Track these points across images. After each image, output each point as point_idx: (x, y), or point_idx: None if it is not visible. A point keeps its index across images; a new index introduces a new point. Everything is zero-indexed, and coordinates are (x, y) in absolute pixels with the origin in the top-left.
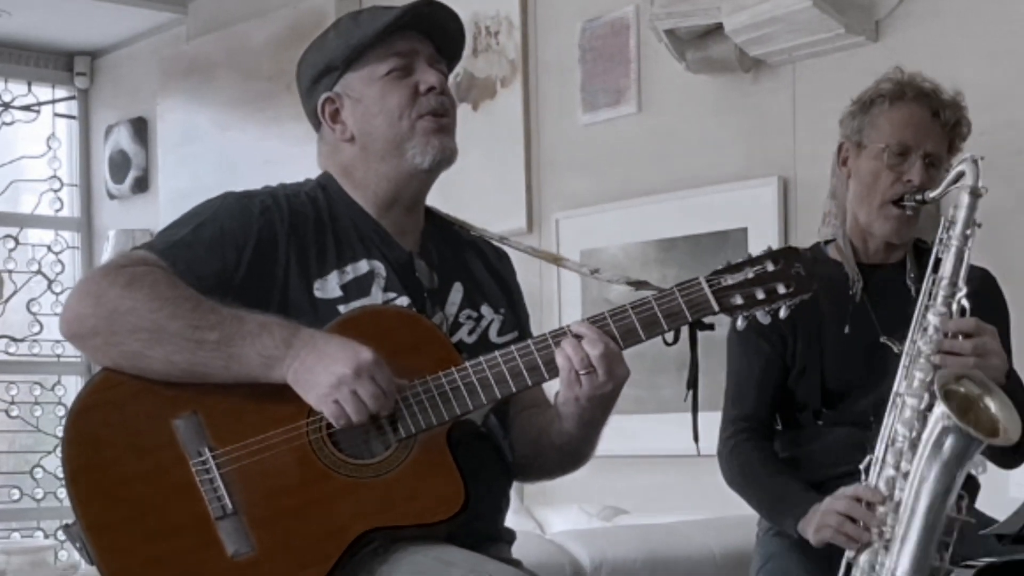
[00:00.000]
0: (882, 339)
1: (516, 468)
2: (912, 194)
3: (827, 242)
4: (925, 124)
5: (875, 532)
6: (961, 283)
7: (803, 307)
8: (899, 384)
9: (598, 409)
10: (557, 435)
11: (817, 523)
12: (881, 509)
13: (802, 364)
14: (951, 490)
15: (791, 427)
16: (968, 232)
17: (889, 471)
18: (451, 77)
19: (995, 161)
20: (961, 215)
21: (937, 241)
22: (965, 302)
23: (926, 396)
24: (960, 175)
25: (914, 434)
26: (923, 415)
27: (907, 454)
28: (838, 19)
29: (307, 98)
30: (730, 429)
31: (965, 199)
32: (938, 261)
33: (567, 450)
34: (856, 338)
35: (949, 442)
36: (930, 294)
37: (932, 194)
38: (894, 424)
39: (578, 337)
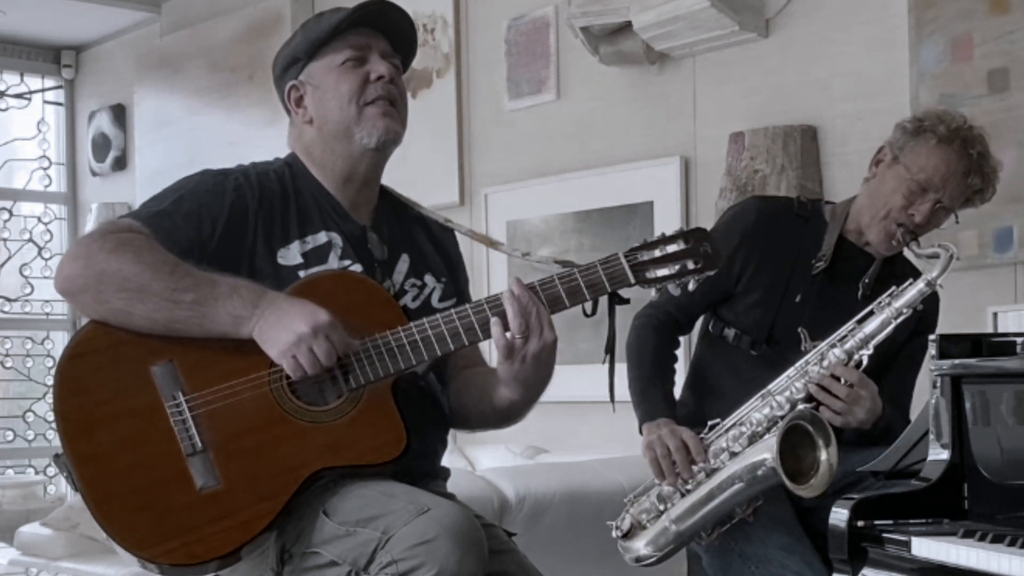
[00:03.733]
0: (799, 330)
1: (455, 420)
2: (909, 230)
3: (827, 202)
4: (954, 177)
5: (681, 480)
6: (871, 347)
7: (780, 245)
8: (776, 383)
9: (537, 369)
10: (499, 400)
11: (650, 440)
12: (696, 468)
13: (752, 291)
14: (748, 491)
15: (723, 339)
16: (904, 311)
17: (723, 442)
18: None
19: (872, 145)
20: (909, 295)
21: (878, 302)
22: (865, 359)
23: (787, 407)
24: (935, 256)
25: (758, 429)
26: (774, 421)
27: (743, 440)
28: (733, 17)
29: (278, 87)
30: (650, 309)
31: (920, 286)
32: (871, 312)
33: (508, 413)
34: (804, 307)
35: (764, 467)
36: (848, 333)
37: (915, 250)
38: (751, 411)
39: (502, 313)
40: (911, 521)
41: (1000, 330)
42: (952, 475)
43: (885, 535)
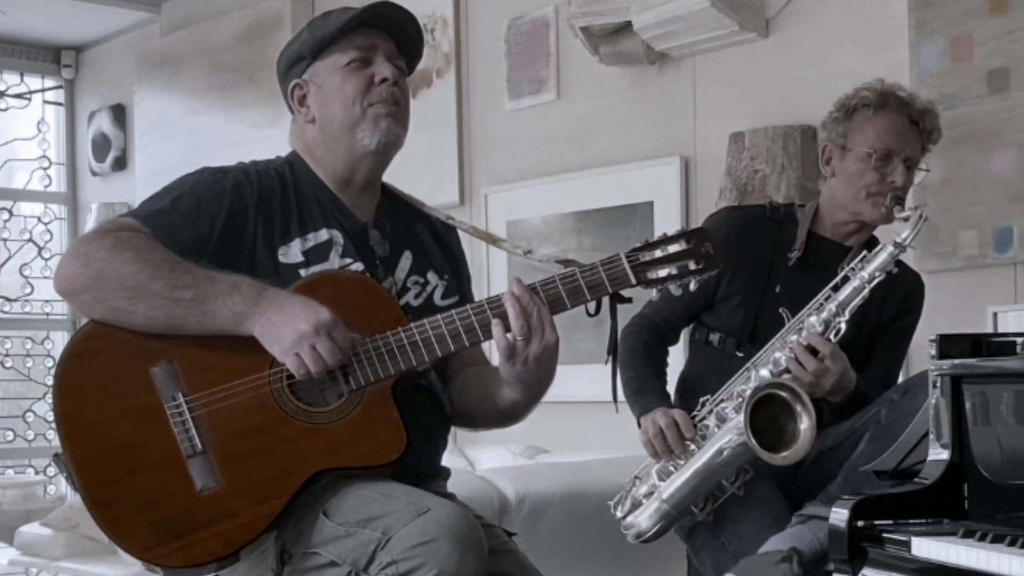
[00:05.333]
0: (780, 310)
1: (458, 418)
2: (893, 194)
3: (801, 205)
4: (905, 131)
5: (675, 456)
6: (847, 313)
7: (755, 249)
8: (760, 355)
9: (539, 370)
10: (501, 400)
11: (644, 426)
12: (689, 443)
13: (732, 295)
14: (731, 463)
15: (708, 345)
16: (877, 275)
17: (712, 418)
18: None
19: None
20: (879, 260)
21: (851, 267)
22: (843, 327)
23: (769, 378)
24: (906, 219)
25: (741, 401)
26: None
27: (730, 412)
28: (733, 17)
29: (282, 85)
30: (637, 319)
31: (889, 248)
32: (846, 279)
33: (510, 413)
34: (784, 297)
35: (739, 433)
36: (824, 301)
37: (897, 215)
38: (736, 384)
39: (503, 314)
40: (911, 521)
41: (1000, 330)
42: (952, 475)
43: (885, 535)
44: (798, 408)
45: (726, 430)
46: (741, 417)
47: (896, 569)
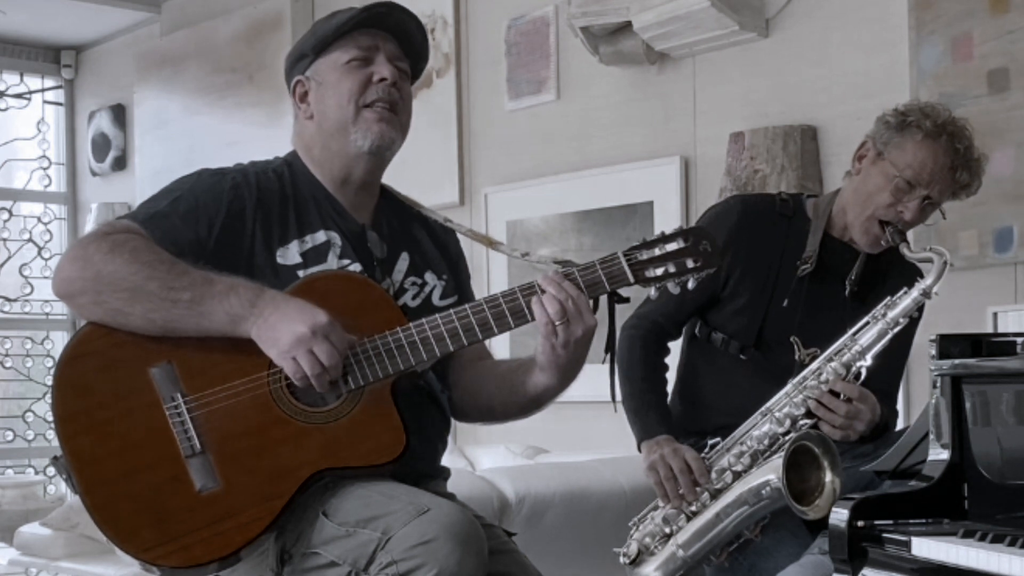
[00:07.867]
0: (792, 339)
1: (474, 413)
2: (897, 228)
3: (809, 196)
4: (941, 172)
5: (686, 502)
6: (869, 358)
7: (764, 246)
8: (776, 400)
9: (573, 355)
10: (532, 387)
11: (651, 460)
12: (699, 489)
13: (739, 295)
14: (754, 513)
15: (711, 344)
16: (900, 321)
17: (725, 462)
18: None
19: None
20: (903, 304)
21: (873, 314)
22: (864, 371)
23: (787, 424)
24: (928, 260)
25: (759, 447)
26: (775, 438)
27: (745, 458)
28: (733, 17)
29: (287, 83)
30: (636, 320)
31: (914, 294)
32: (866, 324)
33: (541, 399)
34: (792, 311)
35: (769, 488)
36: (844, 347)
37: (906, 252)
38: (751, 429)
39: (543, 291)
40: (911, 521)
41: (1000, 330)
42: (952, 475)
43: (885, 535)
44: (825, 462)
45: (752, 476)
46: (769, 469)
47: (896, 569)
